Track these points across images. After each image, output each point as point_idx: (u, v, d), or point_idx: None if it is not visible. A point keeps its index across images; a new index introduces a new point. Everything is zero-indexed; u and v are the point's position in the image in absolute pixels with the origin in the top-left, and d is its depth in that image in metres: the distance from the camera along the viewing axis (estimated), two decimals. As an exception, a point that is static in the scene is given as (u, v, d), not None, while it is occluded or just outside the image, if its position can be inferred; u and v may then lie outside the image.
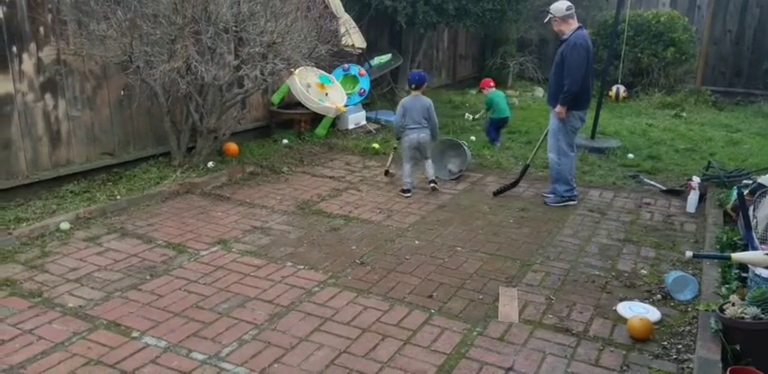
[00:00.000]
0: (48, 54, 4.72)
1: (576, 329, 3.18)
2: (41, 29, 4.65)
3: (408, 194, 5.26)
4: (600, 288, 3.67)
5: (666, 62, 9.99)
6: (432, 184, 5.39)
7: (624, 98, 8.67)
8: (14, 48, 4.51)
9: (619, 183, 5.80)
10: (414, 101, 5.32)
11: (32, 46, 4.62)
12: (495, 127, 7.06)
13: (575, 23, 4.94)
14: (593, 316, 3.33)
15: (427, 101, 5.35)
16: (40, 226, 4.17)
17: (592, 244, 4.34)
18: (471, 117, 8.04)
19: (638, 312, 3.28)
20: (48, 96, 4.78)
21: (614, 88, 8.35)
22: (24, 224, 4.18)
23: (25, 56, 4.58)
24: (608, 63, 7.51)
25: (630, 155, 6.67)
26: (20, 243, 3.99)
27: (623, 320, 3.24)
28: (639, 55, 9.95)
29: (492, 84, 7.26)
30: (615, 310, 3.37)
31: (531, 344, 3.04)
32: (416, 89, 5.35)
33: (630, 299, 3.50)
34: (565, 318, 3.29)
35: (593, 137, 7.08)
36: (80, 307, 3.26)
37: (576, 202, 5.17)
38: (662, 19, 10.00)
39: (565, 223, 4.76)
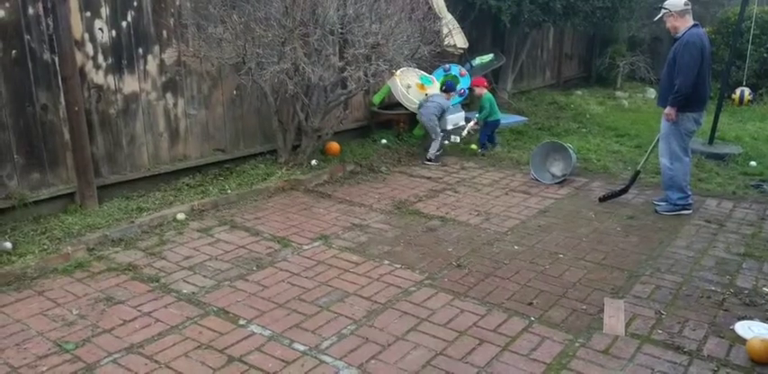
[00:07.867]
0: (169, 56, 5.06)
1: (689, 347, 2.99)
2: (164, 32, 4.99)
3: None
4: (716, 304, 3.42)
5: (797, 62, 9.18)
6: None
7: (749, 101, 8.03)
8: (140, 50, 4.86)
9: (739, 193, 5.39)
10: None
11: (156, 48, 4.96)
12: (492, 129, 6.80)
13: (690, 21, 4.68)
14: (707, 334, 3.11)
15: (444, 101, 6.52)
16: (158, 215, 4.49)
17: (707, 258, 4.05)
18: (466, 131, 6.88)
19: (759, 333, 3.04)
20: (168, 95, 5.13)
21: (738, 91, 7.75)
22: (145, 213, 4.51)
23: (150, 57, 4.93)
24: (729, 63, 6.99)
25: (753, 163, 6.18)
26: (140, 231, 4.31)
27: (742, 340, 3.01)
28: (766, 55, 9.19)
29: (486, 83, 6.83)
30: (733, 329, 3.13)
31: (638, 360, 2.88)
32: (446, 92, 6.55)
33: (750, 319, 3.24)
34: (676, 335, 3.10)
35: (711, 142, 6.63)
36: (193, 293, 3.47)
37: (690, 212, 4.86)
38: (793, 15, 9.19)
39: (677, 233, 4.47)
